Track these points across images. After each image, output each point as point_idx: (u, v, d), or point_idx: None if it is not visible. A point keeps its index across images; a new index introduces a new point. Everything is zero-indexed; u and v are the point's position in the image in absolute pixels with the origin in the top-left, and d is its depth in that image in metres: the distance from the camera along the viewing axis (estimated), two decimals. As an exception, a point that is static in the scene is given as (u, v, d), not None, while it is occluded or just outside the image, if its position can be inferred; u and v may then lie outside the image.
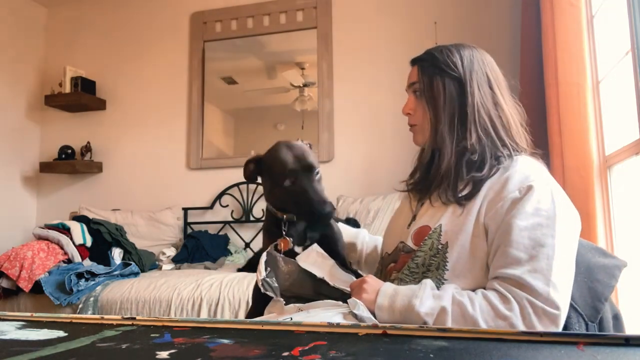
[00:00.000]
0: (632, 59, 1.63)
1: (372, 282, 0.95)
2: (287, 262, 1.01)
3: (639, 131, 1.62)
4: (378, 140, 3.24)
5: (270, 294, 0.93)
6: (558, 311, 0.84)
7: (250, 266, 2.67)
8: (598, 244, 1.82)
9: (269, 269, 0.97)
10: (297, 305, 0.91)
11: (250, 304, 2.16)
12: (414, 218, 1.07)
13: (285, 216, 1.08)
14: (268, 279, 0.95)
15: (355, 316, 0.87)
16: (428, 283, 0.92)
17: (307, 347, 0.50)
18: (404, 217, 1.12)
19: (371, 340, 0.54)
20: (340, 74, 3.35)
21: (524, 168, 0.97)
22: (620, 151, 1.85)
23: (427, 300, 0.87)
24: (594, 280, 0.90)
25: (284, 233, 1.08)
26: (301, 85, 3.43)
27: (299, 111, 3.43)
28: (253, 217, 3.36)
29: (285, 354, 0.48)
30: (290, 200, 1.05)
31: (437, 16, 3.17)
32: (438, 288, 0.93)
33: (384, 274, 1.09)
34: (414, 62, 1.09)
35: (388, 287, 0.93)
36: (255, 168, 1.13)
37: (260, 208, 3.36)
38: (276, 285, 0.96)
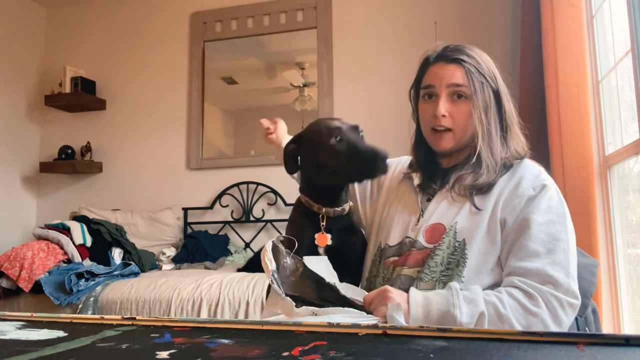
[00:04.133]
0: (632, 59, 1.63)
1: (395, 291, 0.90)
2: (292, 258, 0.94)
3: (639, 131, 1.62)
4: (378, 140, 3.21)
5: (276, 288, 0.86)
6: (578, 301, 0.89)
7: (251, 266, 2.66)
8: (598, 243, 1.82)
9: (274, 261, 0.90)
10: (311, 308, 0.83)
11: (250, 304, 2.17)
12: (422, 214, 1.05)
13: (324, 209, 1.06)
14: (276, 274, 0.88)
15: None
16: (457, 287, 0.90)
17: (307, 347, 0.50)
18: (408, 210, 1.09)
19: (371, 340, 0.54)
20: (340, 74, 3.34)
21: (533, 168, 1.03)
22: (620, 151, 1.85)
23: (464, 307, 0.86)
24: (580, 278, 0.94)
25: (322, 228, 1.04)
26: (301, 85, 3.43)
27: (299, 111, 3.43)
28: (253, 217, 3.36)
29: (285, 354, 0.48)
30: (339, 159, 1.00)
31: (437, 16, 3.17)
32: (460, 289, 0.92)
33: (382, 264, 1.07)
34: (457, 61, 1.03)
35: (417, 295, 0.90)
36: (296, 146, 1.08)
37: (260, 208, 3.36)
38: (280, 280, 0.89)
